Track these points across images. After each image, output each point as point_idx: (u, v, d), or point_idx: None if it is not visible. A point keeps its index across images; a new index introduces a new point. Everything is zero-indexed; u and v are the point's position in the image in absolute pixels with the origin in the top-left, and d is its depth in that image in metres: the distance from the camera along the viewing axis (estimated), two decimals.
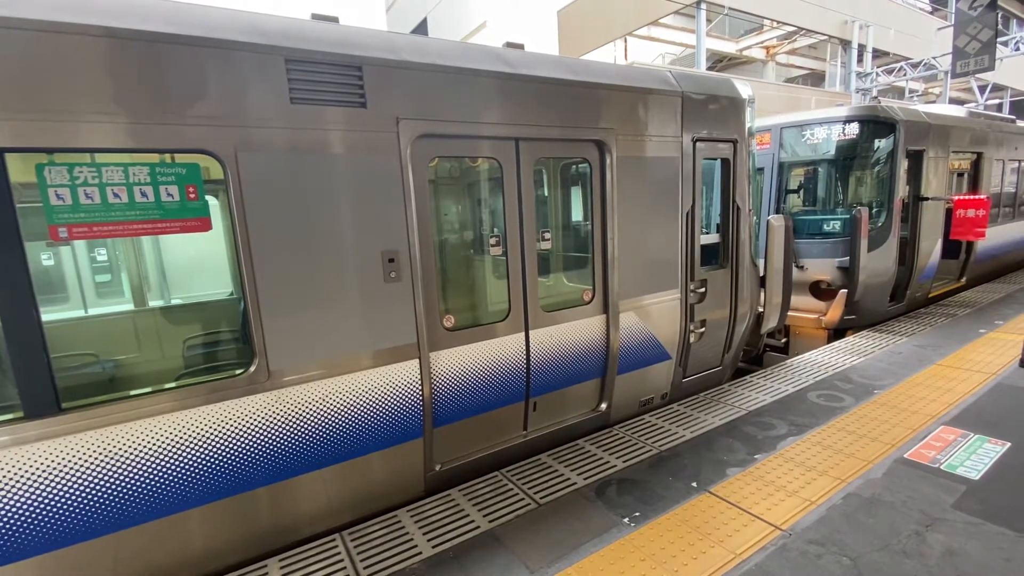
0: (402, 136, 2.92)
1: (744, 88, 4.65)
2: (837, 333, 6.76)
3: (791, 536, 2.74)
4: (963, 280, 8.57)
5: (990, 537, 2.65)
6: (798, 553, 2.61)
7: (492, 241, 3.65)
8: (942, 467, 3.32)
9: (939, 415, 4.04)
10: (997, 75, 18.97)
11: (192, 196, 2.46)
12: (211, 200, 2.96)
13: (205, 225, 2.53)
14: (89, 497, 2.33)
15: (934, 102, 20.77)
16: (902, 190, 6.60)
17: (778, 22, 16.89)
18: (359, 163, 2.82)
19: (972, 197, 6.93)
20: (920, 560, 2.52)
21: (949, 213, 7.09)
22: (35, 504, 2.23)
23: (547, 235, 3.77)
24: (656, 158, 4.06)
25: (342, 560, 2.72)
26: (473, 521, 3.01)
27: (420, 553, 2.75)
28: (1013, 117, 10.17)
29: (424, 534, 2.91)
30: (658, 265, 4.24)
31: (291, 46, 2.58)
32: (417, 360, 3.11)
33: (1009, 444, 3.55)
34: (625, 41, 17.74)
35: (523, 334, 3.61)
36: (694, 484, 3.28)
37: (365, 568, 2.66)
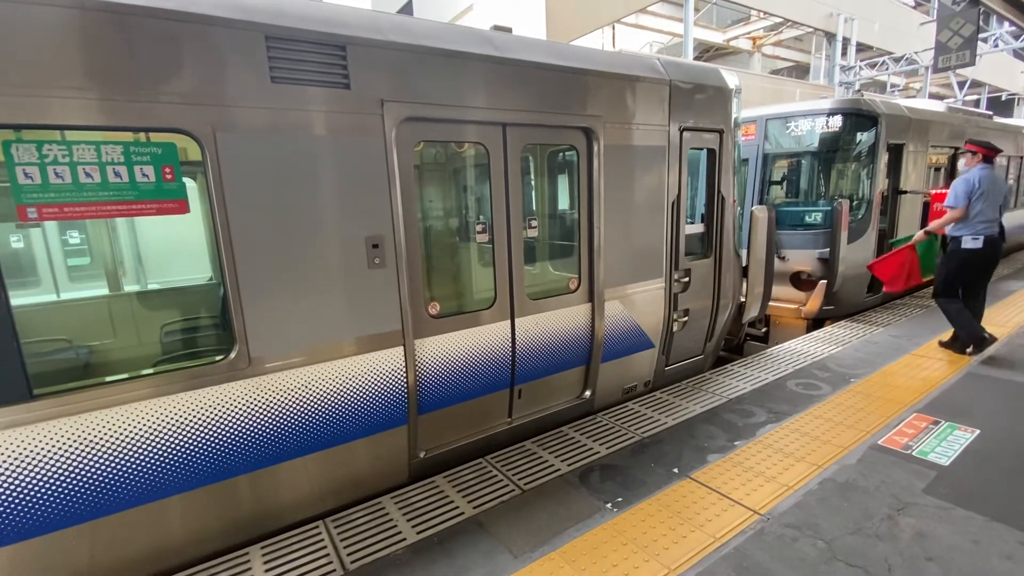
0: (387, 119, 2.86)
1: (731, 78, 4.66)
2: (816, 323, 6.89)
3: (769, 520, 2.80)
4: None
5: (959, 521, 2.75)
6: (775, 537, 2.68)
7: (478, 228, 3.62)
8: (914, 453, 3.42)
9: (912, 403, 4.16)
10: (976, 71, 19.35)
11: (168, 177, 2.38)
12: (189, 182, 2.88)
13: (182, 208, 2.46)
14: (63, 485, 2.28)
15: (914, 97, 21.10)
16: (882, 183, 6.72)
17: (765, 13, 16.93)
18: (342, 146, 2.76)
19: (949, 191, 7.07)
20: (892, 543, 2.60)
21: (926, 207, 7.23)
22: (6, 493, 2.17)
23: (533, 223, 3.75)
24: (643, 147, 4.05)
25: (325, 547, 2.71)
26: (457, 507, 3.02)
27: (404, 539, 2.76)
28: (991, 113, 10.39)
29: (408, 520, 2.91)
30: (643, 254, 4.26)
31: (272, 23, 2.50)
32: (401, 347, 3.09)
33: (978, 431, 3.67)
34: (613, 28, 17.63)
35: (509, 322, 3.61)
36: (675, 470, 3.33)
37: (349, 555, 2.65)
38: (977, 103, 24.72)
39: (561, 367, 3.99)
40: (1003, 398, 4.20)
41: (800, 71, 24.18)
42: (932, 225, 5.25)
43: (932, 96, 19.14)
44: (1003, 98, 26.99)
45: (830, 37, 18.17)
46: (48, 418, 2.20)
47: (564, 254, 4.22)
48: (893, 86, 21.96)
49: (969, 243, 4.82)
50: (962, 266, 4.95)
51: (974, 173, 4.84)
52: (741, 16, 20.29)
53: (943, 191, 6.90)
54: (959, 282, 5.05)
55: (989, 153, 4.85)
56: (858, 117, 6.61)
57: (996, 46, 17.59)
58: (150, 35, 2.23)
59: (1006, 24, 17.14)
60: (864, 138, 6.67)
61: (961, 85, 20.23)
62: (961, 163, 5.16)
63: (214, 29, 2.36)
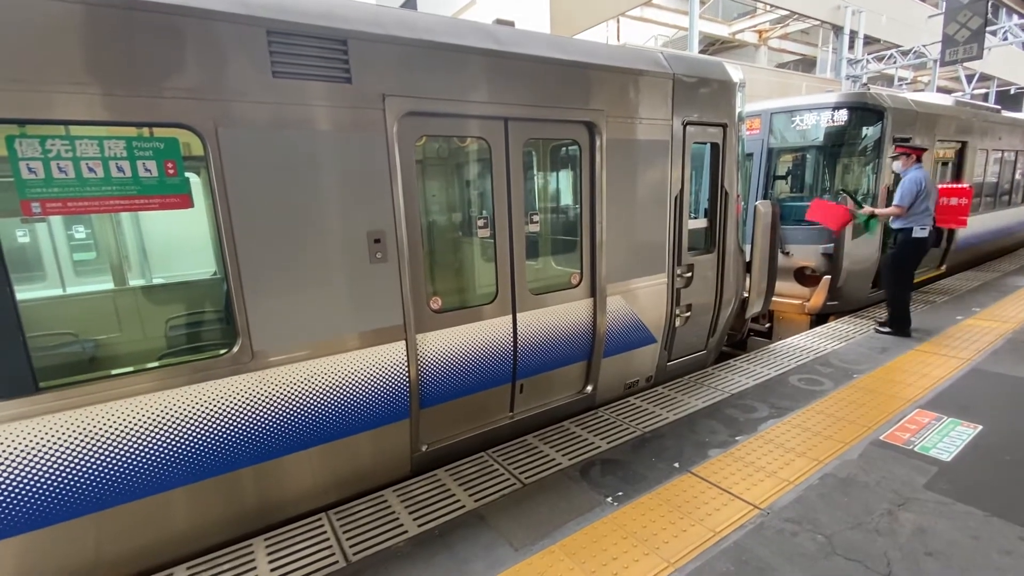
0: (388, 113, 2.86)
1: (735, 72, 4.62)
2: (820, 318, 6.87)
3: (769, 515, 2.81)
4: (943, 268, 8.73)
5: (959, 516, 2.75)
6: (775, 531, 2.68)
7: (480, 223, 3.62)
8: (915, 449, 3.41)
9: (915, 399, 4.15)
10: (984, 65, 19.11)
11: (171, 172, 2.39)
12: (193, 177, 2.89)
13: (185, 202, 2.47)
14: (68, 476, 2.31)
15: (922, 90, 20.90)
16: (887, 178, 6.67)
17: (771, 5, 16.76)
18: (344, 140, 2.76)
19: (956, 186, 7.01)
20: (891, 538, 2.60)
21: None
22: (12, 484, 2.20)
23: (535, 217, 3.75)
24: (646, 141, 4.04)
25: (328, 539, 2.74)
26: (459, 500, 3.04)
27: (406, 532, 2.78)
28: (999, 107, 10.26)
29: (410, 513, 2.93)
30: (646, 249, 4.25)
31: (273, 17, 2.50)
32: (403, 342, 3.10)
33: (981, 427, 3.66)
34: (618, 22, 17.50)
35: (510, 317, 3.61)
36: (676, 465, 3.34)
37: (351, 546, 2.68)
38: (985, 97, 24.43)
39: (563, 362, 4.00)
40: (1006, 394, 4.19)
41: (807, 64, 23.97)
42: (878, 211, 5.86)
43: (940, 90, 18.92)
44: (1012, 92, 26.67)
45: (837, 30, 17.98)
46: (53, 411, 2.23)
47: (566, 249, 4.22)
48: (901, 80, 21.73)
49: (919, 233, 5.54)
50: (915, 252, 5.63)
51: (917, 175, 5.45)
52: (747, 9, 20.11)
53: (950, 186, 6.87)
54: (913, 265, 5.71)
55: (920, 153, 5.61)
56: (864, 111, 6.55)
57: (1005, 39, 17.38)
58: (152, 30, 2.23)
59: (1015, 17, 16.93)
60: (870, 132, 6.61)
61: (969, 79, 19.99)
62: (897, 164, 5.69)
63: (215, 24, 2.36)
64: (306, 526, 2.85)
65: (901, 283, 5.69)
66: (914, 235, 5.51)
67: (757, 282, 5.30)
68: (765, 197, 7.25)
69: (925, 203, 5.44)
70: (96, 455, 2.34)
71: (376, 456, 3.21)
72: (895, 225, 5.61)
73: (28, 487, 2.24)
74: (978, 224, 8.99)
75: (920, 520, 2.72)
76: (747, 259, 5.21)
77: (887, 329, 5.81)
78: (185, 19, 2.29)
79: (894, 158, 5.81)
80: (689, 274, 4.59)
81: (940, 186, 7.03)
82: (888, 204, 6.89)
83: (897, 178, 5.93)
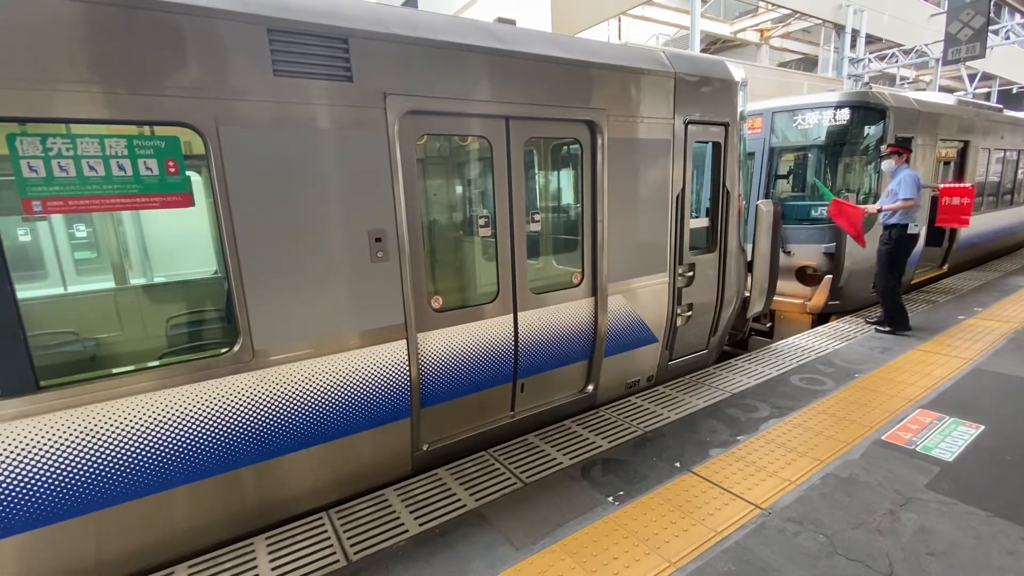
0: (389, 112, 2.86)
1: (737, 71, 4.61)
2: (821, 318, 6.86)
3: (770, 514, 2.80)
4: (945, 267, 8.71)
5: (961, 516, 2.74)
6: (776, 531, 2.68)
7: (481, 222, 3.62)
8: (917, 449, 3.40)
9: (917, 399, 4.14)
10: (987, 64, 19.07)
11: (172, 170, 2.39)
12: (194, 176, 2.89)
13: (186, 201, 2.47)
14: (69, 475, 2.31)
15: (924, 90, 20.85)
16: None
17: (773, 4, 16.73)
18: (345, 139, 2.76)
19: (958, 185, 6.99)
20: (893, 538, 2.59)
21: (935, 201, 7.16)
22: (13, 483, 2.20)
23: (537, 216, 3.75)
24: (647, 140, 4.03)
25: (329, 538, 2.74)
26: (460, 500, 3.03)
27: (407, 531, 2.78)
28: (1000, 106, 10.23)
29: (411, 512, 2.93)
30: (647, 249, 4.24)
31: (274, 15, 2.49)
32: (404, 341, 3.10)
33: (983, 427, 3.65)
34: (619, 21, 17.47)
35: (511, 316, 3.61)
36: (677, 464, 3.34)
37: (352, 545, 2.68)
38: (988, 96, 24.37)
39: (564, 361, 3.99)
40: (1009, 394, 4.18)
41: (808, 63, 23.92)
42: (887, 207, 5.72)
43: (943, 89, 18.89)
44: (1014, 91, 26.60)
45: (839, 29, 17.94)
46: (54, 410, 2.23)
47: (567, 248, 4.21)
48: (903, 79, 21.68)
49: (913, 229, 5.68)
50: (908, 248, 5.78)
51: (914, 172, 5.56)
52: (749, 8, 20.07)
53: (952, 185, 6.85)
54: (905, 259, 5.84)
55: (909, 153, 5.79)
56: (866, 110, 6.54)
57: (1007, 38, 17.34)
58: (153, 28, 2.23)
59: (1017, 16, 16.89)
60: (872, 131, 6.60)
61: (972, 78, 19.96)
62: (888, 164, 5.74)
63: (216, 22, 2.36)
64: (307, 525, 2.84)
65: (892, 276, 5.78)
66: (909, 231, 5.64)
67: (758, 281, 5.29)
68: (767, 196, 7.23)
69: (921, 200, 5.63)
70: (97, 454, 2.34)
71: (377, 455, 3.21)
72: (892, 220, 5.66)
73: (29, 486, 2.24)
74: (980, 224, 8.97)
75: (922, 520, 2.72)
76: (748, 258, 5.20)
77: (887, 328, 5.83)
78: (186, 17, 2.29)
79: (884, 157, 5.84)
80: (691, 273, 4.58)
81: (942, 185, 7.03)
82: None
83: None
